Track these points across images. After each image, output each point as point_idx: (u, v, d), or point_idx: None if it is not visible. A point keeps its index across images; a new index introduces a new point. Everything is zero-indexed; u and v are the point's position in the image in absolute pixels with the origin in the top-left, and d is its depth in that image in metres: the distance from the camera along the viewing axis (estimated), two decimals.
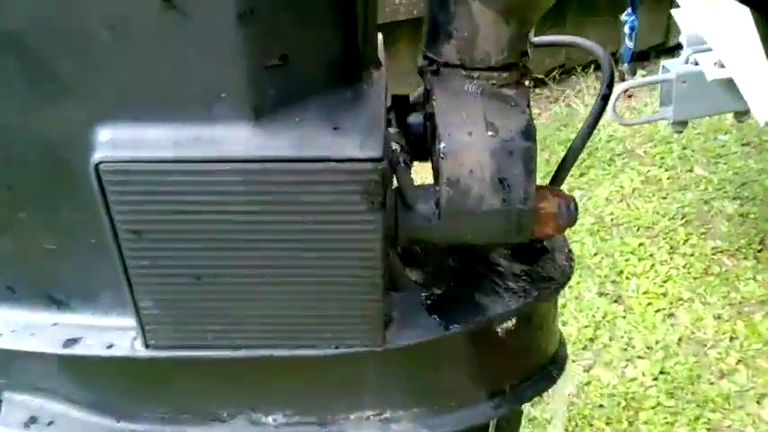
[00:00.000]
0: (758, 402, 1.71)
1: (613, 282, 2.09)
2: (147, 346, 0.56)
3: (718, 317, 1.93)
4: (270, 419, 0.64)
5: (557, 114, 3.08)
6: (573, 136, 2.81)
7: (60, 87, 0.46)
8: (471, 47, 0.52)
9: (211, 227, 0.49)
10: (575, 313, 1.98)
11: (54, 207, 0.53)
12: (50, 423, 0.66)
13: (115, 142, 0.47)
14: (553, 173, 0.65)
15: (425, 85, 0.56)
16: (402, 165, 0.56)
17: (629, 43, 1.61)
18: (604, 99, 0.67)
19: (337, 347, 0.56)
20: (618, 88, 1.83)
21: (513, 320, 0.61)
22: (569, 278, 0.66)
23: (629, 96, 2.97)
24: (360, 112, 0.49)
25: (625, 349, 1.86)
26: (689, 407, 1.69)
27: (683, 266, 2.12)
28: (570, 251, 0.69)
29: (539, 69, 3.22)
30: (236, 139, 0.46)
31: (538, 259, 0.66)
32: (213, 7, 0.42)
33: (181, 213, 0.48)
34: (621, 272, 2.12)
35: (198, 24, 0.42)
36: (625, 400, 1.71)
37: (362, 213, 0.48)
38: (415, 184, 0.55)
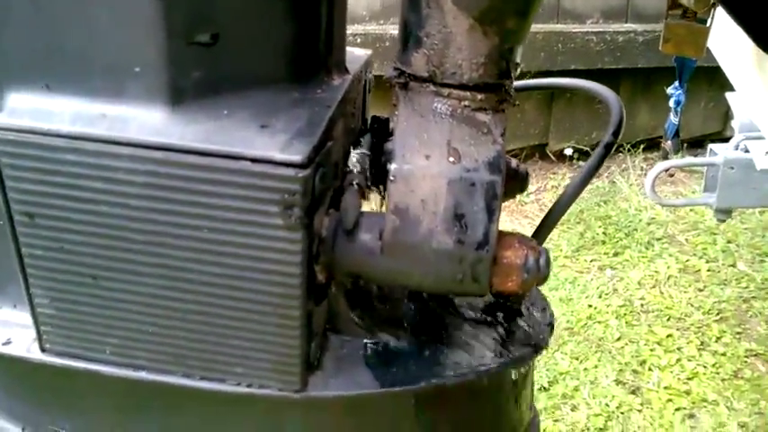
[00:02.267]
0: None
1: (634, 371, 1.93)
2: (42, 350, 0.50)
3: (744, 425, 1.76)
4: None
5: (598, 189, 2.97)
6: (612, 213, 2.72)
7: None
8: (442, 57, 0.45)
9: (109, 220, 0.42)
10: (587, 399, 1.83)
11: None
12: None
13: (17, 110, 0.41)
14: (540, 228, 0.57)
15: (392, 99, 0.49)
16: (353, 187, 0.48)
17: (673, 118, 1.52)
18: (607, 148, 0.59)
19: (249, 386, 0.48)
20: (659, 166, 1.72)
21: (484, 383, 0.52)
22: (545, 346, 0.57)
23: (671, 176, 2.84)
24: (298, 114, 0.43)
25: None
26: None
27: (712, 365, 1.96)
28: (552, 314, 0.60)
29: (584, 141, 3.14)
30: (146, 121, 0.40)
31: (511, 320, 0.57)
32: None
33: (76, 200, 0.42)
34: (644, 362, 1.97)
35: None
36: None
37: (279, 229, 0.40)
38: (363, 209, 0.48)
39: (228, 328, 0.45)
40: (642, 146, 3.22)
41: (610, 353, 2.01)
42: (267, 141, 0.39)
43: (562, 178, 3.04)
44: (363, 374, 0.50)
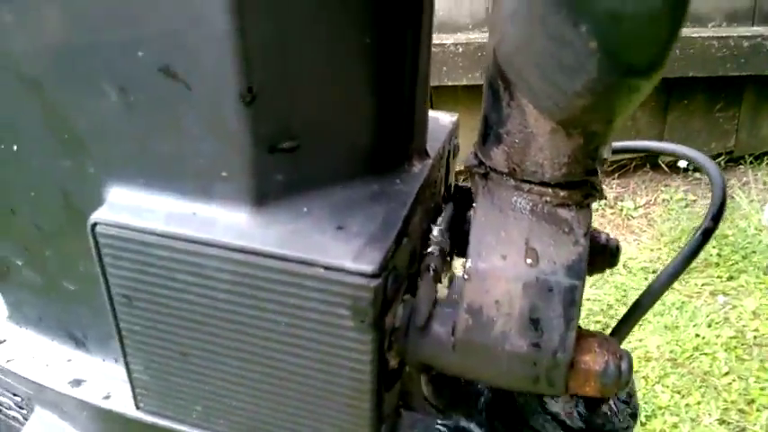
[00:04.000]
0: None
1: (740, 411, 1.81)
2: (137, 408, 0.54)
3: None
4: None
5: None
6: (729, 233, 2.54)
7: (77, 140, 0.45)
8: (523, 156, 0.44)
9: (197, 308, 0.45)
10: None
11: (73, 254, 0.52)
12: None
13: (116, 205, 0.45)
14: (621, 323, 0.54)
15: (472, 187, 0.49)
16: (429, 274, 0.49)
17: None
18: (705, 235, 0.55)
19: None
20: None
21: None
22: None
23: None
24: (374, 213, 0.43)
25: None
26: None
27: None
28: (637, 403, 0.57)
29: (701, 151, 2.94)
30: (232, 222, 0.42)
31: (596, 408, 0.56)
32: (215, 81, 0.38)
33: (169, 288, 0.45)
34: (753, 401, 1.84)
35: (200, 97, 0.39)
36: None
37: (350, 330, 0.41)
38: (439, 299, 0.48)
39: (302, 411, 0.47)
40: (766, 159, 2.99)
41: (715, 389, 1.89)
42: (341, 247, 0.40)
43: (675, 191, 2.88)
44: None
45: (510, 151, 0.44)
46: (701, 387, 1.88)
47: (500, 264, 0.44)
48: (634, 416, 0.55)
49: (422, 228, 0.51)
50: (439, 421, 0.52)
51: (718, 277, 2.37)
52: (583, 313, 2.26)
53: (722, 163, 2.98)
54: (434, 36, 2.59)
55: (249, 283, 0.42)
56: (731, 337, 2.06)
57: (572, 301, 0.43)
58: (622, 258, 2.46)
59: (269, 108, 0.39)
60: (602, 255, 0.58)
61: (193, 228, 0.42)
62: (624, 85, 0.36)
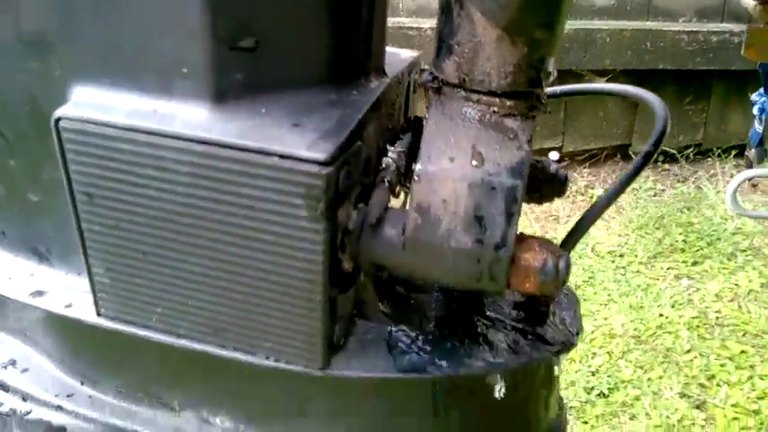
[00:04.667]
0: None
1: (701, 385, 1.87)
2: (98, 314, 0.55)
3: None
4: (217, 420, 0.61)
5: (682, 194, 2.86)
6: (695, 221, 2.62)
7: (44, 42, 0.46)
8: (472, 66, 0.46)
9: (157, 203, 0.47)
10: (648, 409, 1.79)
11: (38, 161, 0.54)
12: (25, 370, 0.67)
13: (80, 102, 0.46)
14: (569, 235, 0.57)
15: (425, 103, 0.52)
16: (384, 184, 0.51)
17: (757, 126, 1.46)
18: (646, 157, 0.58)
19: (276, 360, 0.52)
20: (740, 176, 1.65)
21: (500, 381, 0.54)
22: (572, 346, 0.58)
23: (754, 186, 2.69)
24: (330, 115, 0.46)
25: None
26: None
27: None
28: (580, 320, 0.60)
29: (670, 144, 3.02)
30: (191, 117, 0.44)
31: (537, 323, 0.59)
32: None
33: (130, 184, 0.46)
34: (713, 377, 1.90)
35: None
36: None
37: (304, 220, 0.44)
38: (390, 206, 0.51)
39: (260, 307, 0.49)
40: (734, 152, 3.07)
41: (677, 364, 1.94)
42: (296, 139, 0.43)
43: (644, 181, 2.94)
44: (384, 359, 0.53)
45: (460, 62, 0.47)
46: (663, 363, 1.94)
47: (448, 166, 0.46)
48: (578, 332, 0.58)
49: (378, 144, 0.53)
50: (391, 329, 0.55)
51: (683, 262, 2.43)
52: None
53: (691, 155, 3.05)
54: (412, 20, 2.63)
55: (207, 175, 0.44)
56: (694, 318, 2.13)
57: (514, 199, 0.46)
58: (591, 242, 2.51)
59: (229, 4, 0.41)
60: (552, 183, 0.62)
61: (154, 121, 0.44)
62: None
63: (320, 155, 0.42)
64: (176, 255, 0.49)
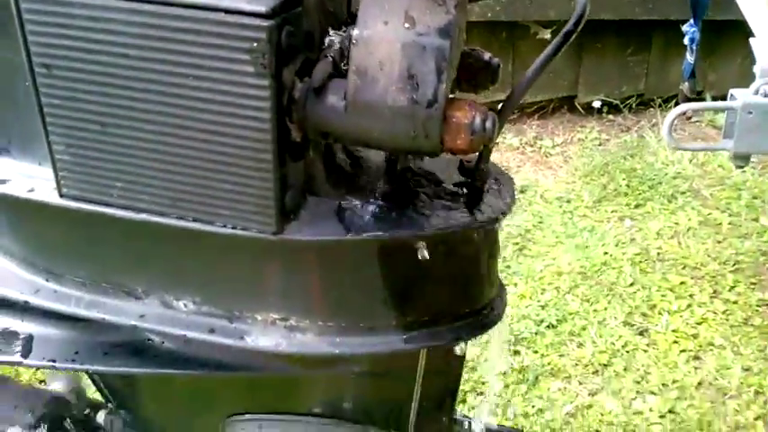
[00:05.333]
0: None
1: (643, 314, 1.98)
2: (61, 195, 0.58)
3: (748, 369, 1.79)
4: (181, 304, 0.64)
5: (626, 143, 2.97)
6: (638, 167, 2.72)
7: None
8: None
9: (112, 69, 0.49)
10: (594, 337, 1.89)
11: None
12: None
13: None
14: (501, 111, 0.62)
15: None
16: (327, 59, 0.55)
17: (689, 58, 1.52)
18: (566, 36, 0.64)
19: (233, 227, 0.55)
20: (675, 110, 1.73)
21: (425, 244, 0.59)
22: (506, 214, 0.63)
23: (688, 119, 2.82)
24: None
25: (638, 382, 1.76)
26: None
27: (723, 312, 1.99)
28: (513, 195, 0.66)
29: (614, 95, 3.12)
30: None
31: (475, 196, 0.64)
32: None
33: (85, 51, 0.49)
34: (654, 306, 2.01)
35: None
36: (624, 431, 1.61)
37: (249, 76, 0.47)
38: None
39: (215, 173, 0.53)
40: (674, 101, 3.19)
41: (621, 297, 2.05)
42: None
43: (590, 132, 3.04)
44: (334, 225, 0.57)
45: None
46: (607, 295, 2.04)
47: (382, 29, 0.50)
48: (511, 202, 0.64)
49: (320, 22, 0.57)
50: (340, 201, 0.59)
51: (626, 205, 2.54)
52: (503, 236, 2.38)
53: (633, 105, 3.16)
54: None
55: (157, 35, 0.47)
56: (636, 254, 2.24)
57: (443, 57, 0.50)
58: (540, 190, 2.60)
59: None
60: (485, 70, 0.66)
61: None
62: None
63: (261, 7, 0.45)
64: (132, 123, 0.52)
